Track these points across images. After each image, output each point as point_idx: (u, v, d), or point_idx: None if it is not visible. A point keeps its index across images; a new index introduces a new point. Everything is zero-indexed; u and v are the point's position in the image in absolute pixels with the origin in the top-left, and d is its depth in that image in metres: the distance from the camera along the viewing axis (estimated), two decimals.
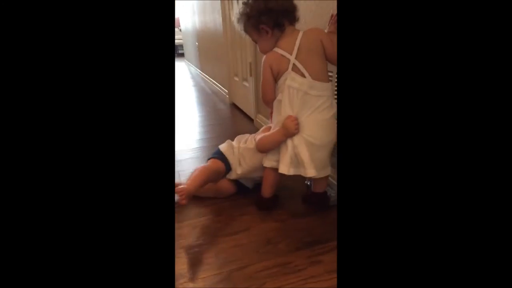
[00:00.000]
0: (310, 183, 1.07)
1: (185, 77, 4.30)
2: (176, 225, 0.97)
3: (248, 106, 2.05)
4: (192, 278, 0.76)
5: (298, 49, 0.88)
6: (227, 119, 2.17)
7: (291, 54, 0.88)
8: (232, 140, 1.18)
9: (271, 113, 1.07)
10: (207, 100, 2.76)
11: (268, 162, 0.98)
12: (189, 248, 0.87)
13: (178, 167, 1.37)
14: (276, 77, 0.92)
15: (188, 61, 5.59)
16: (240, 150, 1.11)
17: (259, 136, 1.03)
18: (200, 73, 4.18)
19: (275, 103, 0.95)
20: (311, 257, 0.81)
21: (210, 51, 3.22)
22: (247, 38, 1.92)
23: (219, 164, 1.09)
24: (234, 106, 2.43)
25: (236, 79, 2.30)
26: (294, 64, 0.88)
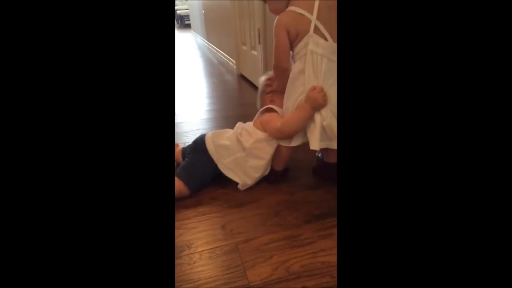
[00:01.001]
0: (321, 155, 1.03)
1: (192, 48, 4.18)
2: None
3: (257, 76, 1.97)
4: (197, 250, 0.74)
5: (319, 7, 0.77)
6: (234, 90, 2.10)
7: (311, 14, 0.78)
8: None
9: (268, 97, 0.97)
10: (214, 71, 2.69)
11: (296, 141, 0.90)
12: (195, 219, 0.85)
13: (185, 139, 1.33)
14: (293, 42, 0.81)
15: (195, 32, 5.43)
16: (244, 155, 0.93)
17: (271, 120, 0.90)
18: (206, 43, 4.06)
19: (292, 75, 0.84)
20: (320, 230, 0.78)
21: (217, 20, 3.09)
22: (256, 4, 1.81)
23: (180, 186, 0.90)
24: (242, 77, 2.35)
25: (244, 48, 2.20)
26: (315, 26, 0.78)
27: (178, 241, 0.77)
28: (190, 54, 3.71)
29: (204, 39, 4.24)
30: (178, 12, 7.65)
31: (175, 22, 8.12)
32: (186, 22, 7.12)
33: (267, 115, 0.94)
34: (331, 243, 0.73)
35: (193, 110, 1.72)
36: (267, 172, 0.96)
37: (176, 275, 0.67)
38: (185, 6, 6.81)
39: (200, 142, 0.97)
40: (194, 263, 0.71)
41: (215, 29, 3.30)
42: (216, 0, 2.90)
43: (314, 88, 0.80)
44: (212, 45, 3.64)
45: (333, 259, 0.69)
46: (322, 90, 0.80)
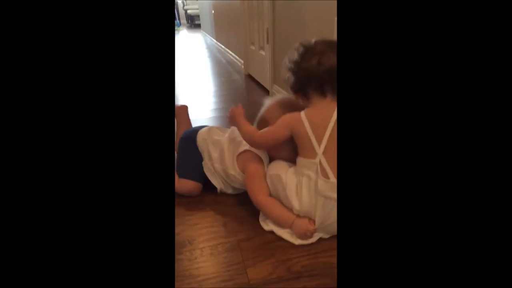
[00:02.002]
0: None
1: (201, 47, 4.20)
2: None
3: (264, 76, 1.98)
4: (199, 246, 0.74)
5: (330, 135, 0.69)
6: (241, 89, 2.10)
7: (319, 146, 0.69)
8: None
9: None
10: (222, 71, 2.69)
11: (267, 226, 0.79)
12: (197, 216, 0.85)
13: None
14: (296, 142, 0.74)
15: (205, 31, 5.45)
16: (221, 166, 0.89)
17: (253, 179, 0.81)
18: (215, 43, 4.07)
19: (281, 191, 0.75)
20: None
21: (226, 20, 3.10)
22: (265, 4, 1.81)
23: (194, 185, 0.91)
24: (250, 77, 2.36)
25: (253, 47, 2.20)
26: (320, 163, 0.69)
27: (179, 237, 0.77)
28: (199, 53, 3.73)
29: (213, 39, 4.26)
30: (188, 12, 7.70)
31: (186, 22, 8.18)
32: (196, 22, 7.17)
33: (253, 170, 0.82)
34: (333, 244, 0.73)
35: (200, 109, 1.73)
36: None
37: (176, 270, 0.67)
38: (195, 6, 6.85)
39: (190, 134, 0.97)
40: (195, 259, 0.71)
41: (224, 29, 3.31)
42: (225, 0, 2.91)
43: (310, 225, 0.72)
44: (221, 45, 3.65)
45: (335, 260, 0.68)
46: (315, 230, 0.72)
